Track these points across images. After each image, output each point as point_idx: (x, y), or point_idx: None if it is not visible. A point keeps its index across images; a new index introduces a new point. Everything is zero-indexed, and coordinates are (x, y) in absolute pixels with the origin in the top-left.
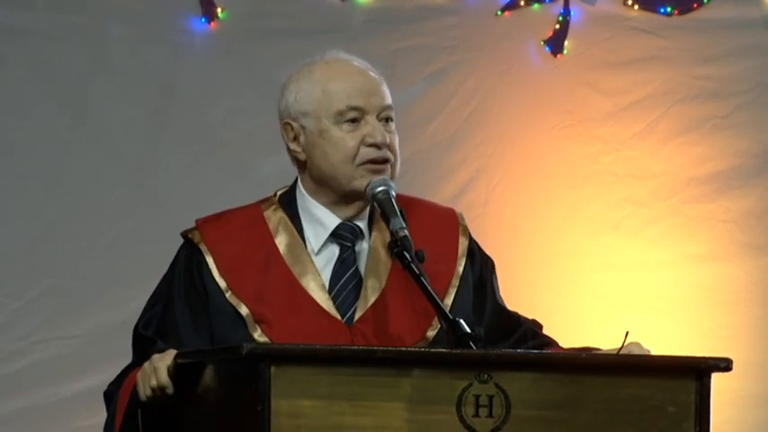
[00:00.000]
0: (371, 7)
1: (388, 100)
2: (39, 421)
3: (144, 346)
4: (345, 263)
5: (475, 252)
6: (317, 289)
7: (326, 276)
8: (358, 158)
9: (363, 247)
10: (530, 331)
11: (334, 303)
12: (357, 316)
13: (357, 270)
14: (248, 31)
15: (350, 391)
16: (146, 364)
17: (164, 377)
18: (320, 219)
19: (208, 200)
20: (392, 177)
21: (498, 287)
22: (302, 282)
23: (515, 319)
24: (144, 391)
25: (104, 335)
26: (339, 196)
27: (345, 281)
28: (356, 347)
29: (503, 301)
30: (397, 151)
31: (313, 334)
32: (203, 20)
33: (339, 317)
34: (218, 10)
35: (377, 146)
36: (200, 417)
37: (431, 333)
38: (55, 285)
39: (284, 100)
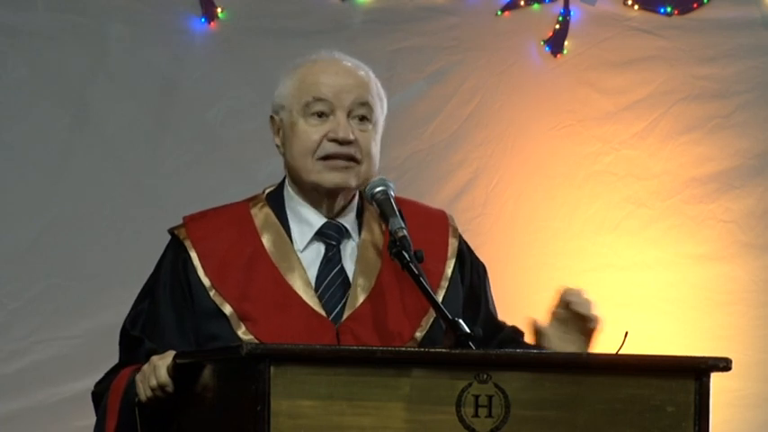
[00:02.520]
0: (371, 7)
1: (365, 98)
2: (39, 421)
3: (131, 345)
4: (331, 261)
5: (465, 255)
6: (302, 286)
7: (312, 274)
8: (318, 152)
9: (350, 246)
10: (508, 336)
11: (321, 301)
12: (346, 314)
13: (342, 268)
14: (248, 31)
15: (349, 391)
16: (145, 366)
17: (163, 376)
18: (306, 217)
19: (208, 200)
20: (362, 177)
21: (491, 294)
22: (288, 279)
23: (499, 325)
24: (144, 392)
25: (104, 335)
26: (309, 191)
27: (331, 279)
28: (356, 347)
29: (494, 308)
30: (372, 151)
31: (299, 331)
32: (203, 20)
33: (325, 314)
34: (218, 10)
35: (338, 141)
36: (199, 417)
37: (419, 334)
38: (55, 285)
39: (274, 95)
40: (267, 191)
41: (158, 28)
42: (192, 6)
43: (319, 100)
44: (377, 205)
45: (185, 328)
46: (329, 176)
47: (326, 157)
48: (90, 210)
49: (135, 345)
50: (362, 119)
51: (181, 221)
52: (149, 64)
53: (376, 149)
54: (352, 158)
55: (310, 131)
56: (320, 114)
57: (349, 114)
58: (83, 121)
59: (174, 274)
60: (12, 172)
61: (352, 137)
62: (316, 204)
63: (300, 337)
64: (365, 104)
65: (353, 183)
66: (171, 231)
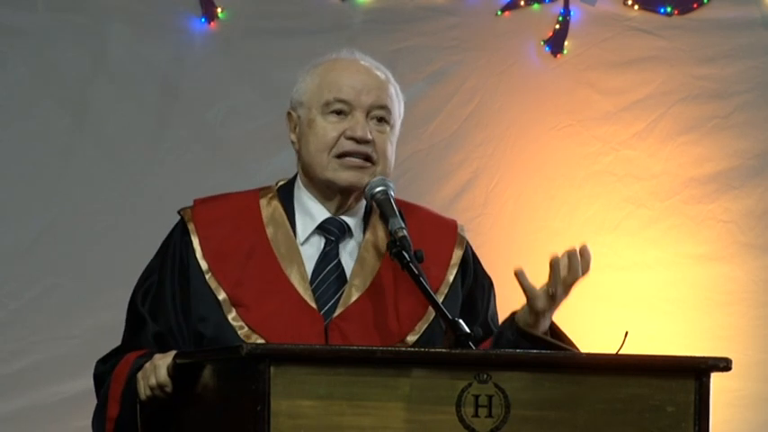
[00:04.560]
0: (371, 7)
1: (384, 101)
2: (39, 421)
3: (137, 324)
4: (328, 256)
5: (469, 265)
6: (298, 278)
7: (309, 268)
8: (335, 149)
9: (350, 244)
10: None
11: (314, 295)
12: (337, 312)
13: (339, 265)
14: (248, 31)
15: (349, 391)
16: (147, 363)
17: (163, 376)
18: (310, 210)
19: None
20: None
21: (494, 308)
22: (286, 270)
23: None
24: (144, 391)
25: (104, 335)
26: (322, 188)
27: (326, 274)
28: (356, 347)
29: (497, 322)
30: (387, 153)
31: (288, 320)
32: (203, 20)
33: (317, 308)
34: (218, 10)
35: (355, 140)
36: (200, 417)
37: (411, 338)
38: (55, 285)
39: (292, 91)
40: (279, 183)
41: (158, 28)
42: (192, 6)
43: (340, 101)
44: (377, 205)
45: (189, 313)
46: (344, 175)
47: (343, 155)
48: (90, 210)
49: (141, 325)
50: (380, 120)
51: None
52: (149, 64)
53: (392, 151)
54: (368, 158)
55: (328, 128)
56: (339, 112)
57: (367, 115)
58: (83, 121)
59: (178, 254)
60: (12, 172)
61: (369, 136)
62: (325, 200)
63: (289, 328)
64: (384, 107)
65: (367, 182)
66: (179, 212)
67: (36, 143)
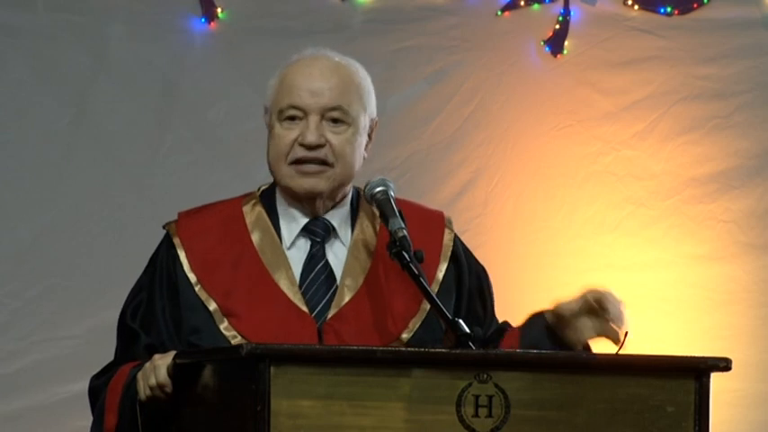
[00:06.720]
0: (371, 7)
1: (337, 102)
2: (39, 421)
3: (129, 338)
4: (315, 258)
5: (461, 258)
6: (287, 283)
7: (297, 271)
8: (290, 156)
9: (336, 244)
10: (499, 328)
11: (304, 298)
12: (331, 313)
13: (327, 265)
14: (248, 31)
15: (349, 391)
16: (147, 364)
17: (163, 376)
18: (293, 214)
19: (207, 200)
20: (337, 180)
21: (493, 297)
22: (274, 276)
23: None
24: (144, 391)
25: (104, 335)
26: (288, 195)
27: (315, 275)
28: (356, 347)
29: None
30: (345, 153)
31: (281, 328)
32: (203, 20)
33: (308, 311)
34: (218, 10)
35: (306, 146)
36: (200, 417)
37: (405, 336)
38: (55, 285)
39: None
40: (262, 188)
41: (158, 28)
42: (192, 6)
43: (293, 107)
44: (377, 205)
45: (181, 325)
46: (300, 182)
47: (297, 162)
48: (90, 210)
49: (133, 339)
50: (336, 121)
51: (176, 217)
52: (149, 64)
53: (352, 149)
54: (323, 162)
55: (283, 135)
56: (293, 118)
57: (323, 117)
58: (83, 121)
59: (168, 269)
60: (12, 172)
61: (321, 140)
62: (298, 205)
63: (282, 334)
64: (337, 108)
65: (325, 187)
66: (164, 227)
67: (36, 143)
